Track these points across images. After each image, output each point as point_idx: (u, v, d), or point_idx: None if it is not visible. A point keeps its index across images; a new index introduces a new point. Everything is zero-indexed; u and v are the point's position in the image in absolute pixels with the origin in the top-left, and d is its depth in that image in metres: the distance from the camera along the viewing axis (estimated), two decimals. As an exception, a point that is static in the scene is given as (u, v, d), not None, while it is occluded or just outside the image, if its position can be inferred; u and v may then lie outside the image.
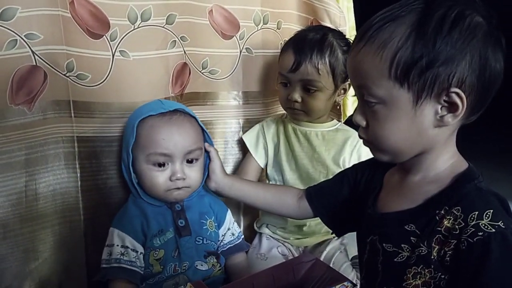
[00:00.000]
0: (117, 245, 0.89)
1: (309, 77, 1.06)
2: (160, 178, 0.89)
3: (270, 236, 1.19)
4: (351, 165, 1.11)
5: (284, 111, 1.21)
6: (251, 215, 1.28)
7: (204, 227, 0.96)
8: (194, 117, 0.95)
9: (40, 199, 0.94)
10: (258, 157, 1.19)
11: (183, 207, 0.94)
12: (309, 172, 1.13)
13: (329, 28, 1.16)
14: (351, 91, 1.30)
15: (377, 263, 0.69)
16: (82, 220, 1.00)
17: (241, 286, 0.78)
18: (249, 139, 1.20)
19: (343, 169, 1.12)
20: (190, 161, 0.91)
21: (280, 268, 0.83)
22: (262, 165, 1.20)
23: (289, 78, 1.09)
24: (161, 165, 0.89)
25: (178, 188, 0.91)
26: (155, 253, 0.91)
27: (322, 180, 1.11)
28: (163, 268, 0.91)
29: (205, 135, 0.96)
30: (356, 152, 1.13)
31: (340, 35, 1.12)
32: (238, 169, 1.22)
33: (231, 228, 1.02)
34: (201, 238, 0.95)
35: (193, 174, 0.92)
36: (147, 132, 0.89)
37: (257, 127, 1.22)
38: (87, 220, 1.00)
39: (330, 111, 1.24)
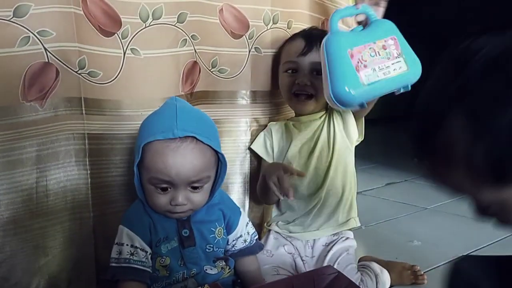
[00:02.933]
0: (127, 245, 0.88)
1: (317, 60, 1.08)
2: (161, 200, 0.87)
3: (278, 233, 1.18)
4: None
5: (290, 114, 1.23)
6: (257, 213, 1.29)
7: (211, 235, 0.93)
8: (208, 144, 0.86)
9: (50, 195, 0.94)
10: (269, 158, 1.20)
11: (190, 217, 0.92)
12: (315, 163, 1.14)
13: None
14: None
15: None
16: (92, 217, 1.00)
17: None
18: (257, 147, 1.21)
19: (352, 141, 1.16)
20: (194, 188, 0.87)
21: (301, 278, 0.83)
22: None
23: (298, 63, 1.12)
24: (163, 189, 0.86)
25: (178, 213, 0.88)
26: (162, 260, 0.90)
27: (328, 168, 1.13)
28: (170, 274, 0.90)
29: (220, 159, 0.90)
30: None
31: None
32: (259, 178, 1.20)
33: (243, 235, 0.99)
34: (211, 246, 0.93)
35: (197, 198, 0.88)
36: (151, 157, 0.84)
37: (262, 134, 1.23)
38: (97, 217, 1.01)
39: None
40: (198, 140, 0.84)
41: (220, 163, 0.91)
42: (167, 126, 0.84)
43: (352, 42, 0.91)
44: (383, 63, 0.90)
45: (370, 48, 0.91)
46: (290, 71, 1.14)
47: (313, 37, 1.12)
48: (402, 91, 0.93)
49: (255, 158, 1.25)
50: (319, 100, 1.13)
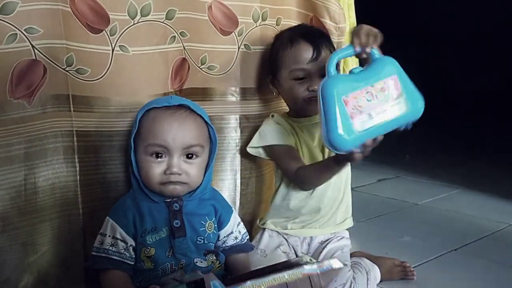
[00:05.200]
0: (109, 236, 0.90)
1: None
2: (155, 170, 0.89)
3: (274, 230, 1.18)
4: None
5: (281, 110, 1.22)
6: (248, 209, 1.29)
7: (202, 229, 0.95)
8: (200, 115, 0.94)
9: (39, 192, 0.94)
10: (290, 142, 1.14)
11: (181, 208, 0.93)
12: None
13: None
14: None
15: None
16: (81, 214, 1.00)
17: None
18: (270, 139, 1.14)
19: None
20: (189, 157, 0.91)
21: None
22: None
23: (309, 70, 1.09)
24: (158, 155, 0.89)
25: (173, 183, 0.90)
26: (146, 250, 0.91)
27: None
28: (155, 265, 0.91)
29: (210, 134, 0.96)
30: None
31: None
32: (283, 165, 1.14)
33: (234, 232, 1.01)
34: (202, 238, 0.94)
35: (192, 170, 0.91)
36: (148, 124, 0.90)
37: (269, 123, 1.17)
38: (86, 214, 1.01)
39: None
40: (192, 110, 0.92)
41: (211, 143, 0.96)
42: (162, 100, 0.94)
43: (348, 87, 0.89)
44: (381, 106, 0.89)
45: (367, 93, 0.89)
46: (299, 78, 1.10)
47: (317, 39, 1.11)
48: (402, 129, 0.92)
49: (238, 145, 1.23)
50: None
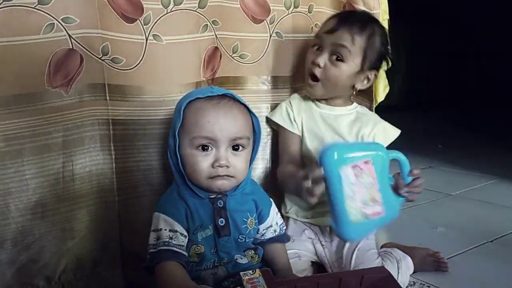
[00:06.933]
0: (165, 230, 0.85)
1: (342, 41, 1.08)
2: (203, 164, 0.85)
3: (297, 219, 1.18)
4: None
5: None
6: (277, 198, 1.28)
7: (244, 226, 0.92)
8: (244, 104, 0.90)
9: (76, 179, 0.96)
10: (294, 128, 1.16)
11: (225, 204, 0.90)
12: None
13: (376, 20, 1.19)
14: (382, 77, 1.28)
15: None
16: (117, 201, 1.02)
17: (306, 283, 0.79)
18: (278, 116, 1.18)
19: None
20: (236, 148, 0.87)
21: (349, 274, 0.83)
22: (300, 134, 1.17)
23: (323, 41, 1.10)
24: (204, 148, 0.86)
25: (221, 177, 0.87)
26: (197, 248, 0.88)
27: None
28: (201, 261, 0.89)
29: (254, 124, 0.92)
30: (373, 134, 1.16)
31: (383, 31, 1.15)
32: (279, 151, 1.18)
33: (273, 225, 0.99)
34: (244, 236, 0.92)
35: (239, 163, 0.88)
36: (193, 115, 0.86)
37: (283, 104, 1.20)
38: (121, 201, 1.02)
39: (363, 96, 1.23)
40: (235, 99, 0.89)
41: (254, 134, 0.93)
42: (204, 90, 0.90)
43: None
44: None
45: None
46: (315, 47, 1.13)
47: (347, 20, 1.10)
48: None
49: (269, 135, 1.24)
50: (327, 89, 1.13)
